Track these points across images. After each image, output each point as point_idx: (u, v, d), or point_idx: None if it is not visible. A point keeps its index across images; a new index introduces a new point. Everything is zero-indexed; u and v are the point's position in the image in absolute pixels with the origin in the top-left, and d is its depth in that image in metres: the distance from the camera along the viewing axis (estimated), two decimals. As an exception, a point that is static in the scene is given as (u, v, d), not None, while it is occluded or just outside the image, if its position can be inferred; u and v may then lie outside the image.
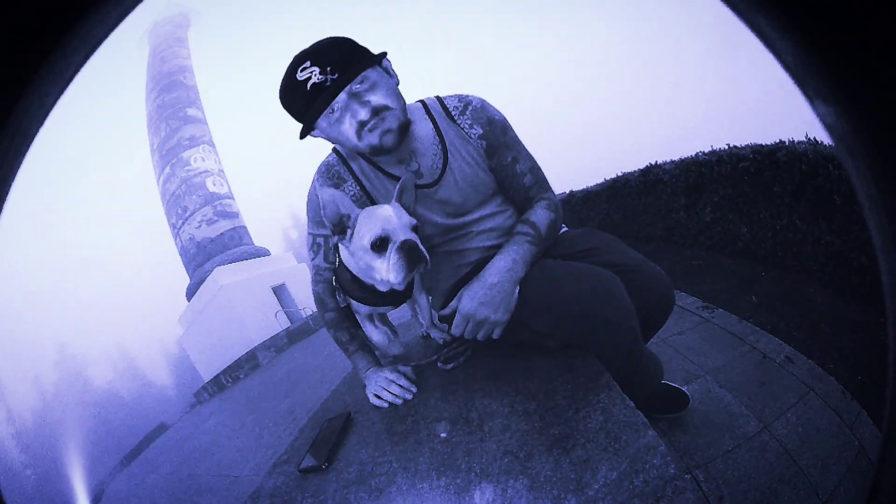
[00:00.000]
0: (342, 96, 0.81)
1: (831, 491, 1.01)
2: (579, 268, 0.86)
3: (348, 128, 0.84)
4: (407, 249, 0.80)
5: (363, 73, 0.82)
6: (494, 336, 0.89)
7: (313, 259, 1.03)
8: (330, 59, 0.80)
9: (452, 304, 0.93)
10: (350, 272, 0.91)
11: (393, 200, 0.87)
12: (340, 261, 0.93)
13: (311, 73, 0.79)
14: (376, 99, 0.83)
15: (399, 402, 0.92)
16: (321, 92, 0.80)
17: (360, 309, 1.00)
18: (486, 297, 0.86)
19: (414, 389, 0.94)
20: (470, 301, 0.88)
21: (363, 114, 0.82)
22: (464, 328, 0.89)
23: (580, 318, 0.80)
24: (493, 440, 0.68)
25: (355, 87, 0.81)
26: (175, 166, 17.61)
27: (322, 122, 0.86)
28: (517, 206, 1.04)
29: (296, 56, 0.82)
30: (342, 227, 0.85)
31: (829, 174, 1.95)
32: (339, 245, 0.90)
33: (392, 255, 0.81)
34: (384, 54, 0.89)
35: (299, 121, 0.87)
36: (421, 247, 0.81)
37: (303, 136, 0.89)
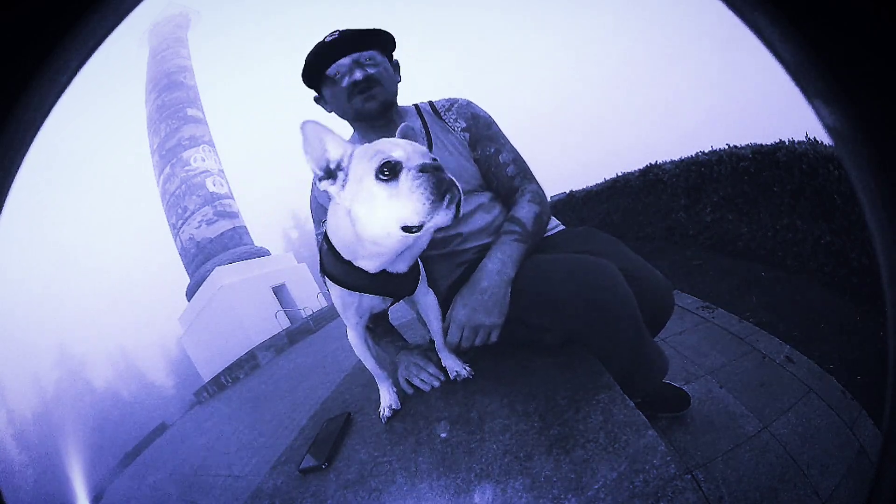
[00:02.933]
0: (347, 60, 0.96)
1: (831, 491, 1.01)
2: (575, 259, 0.86)
3: (344, 86, 0.97)
4: (431, 170, 0.61)
5: (373, 52, 0.98)
6: (492, 340, 0.89)
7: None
8: (353, 33, 0.96)
9: (448, 314, 0.91)
10: (335, 253, 0.76)
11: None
12: (326, 243, 0.79)
13: (334, 37, 0.96)
14: (373, 72, 0.97)
15: (427, 388, 0.93)
16: (333, 49, 0.95)
17: (350, 315, 0.86)
18: (479, 302, 0.86)
19: (442, 377, 0.94)
20: (462, 308, 0.87)
21: (358, 75, 0.96)
22: (459, 337, 0.88)
23: (579, 309, 0.79)
24: (493, 440, 0.68)
25: (363, 58, 0.97)
26: (175, 166, 17.62)
27: (325, 79, 0.99)
28: (503, 198, 1.06)
29: (332, 29, 0.99)
30: (329, 170, 0.67)
31: (829, 174, 1.95)
32: (329, 203, 0.75)
33: (408, 179, 0.61)
34: (394, 47, 1.03)
35: (309, 68, 0.99)
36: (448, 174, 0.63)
37: (304, 80, 1.02)
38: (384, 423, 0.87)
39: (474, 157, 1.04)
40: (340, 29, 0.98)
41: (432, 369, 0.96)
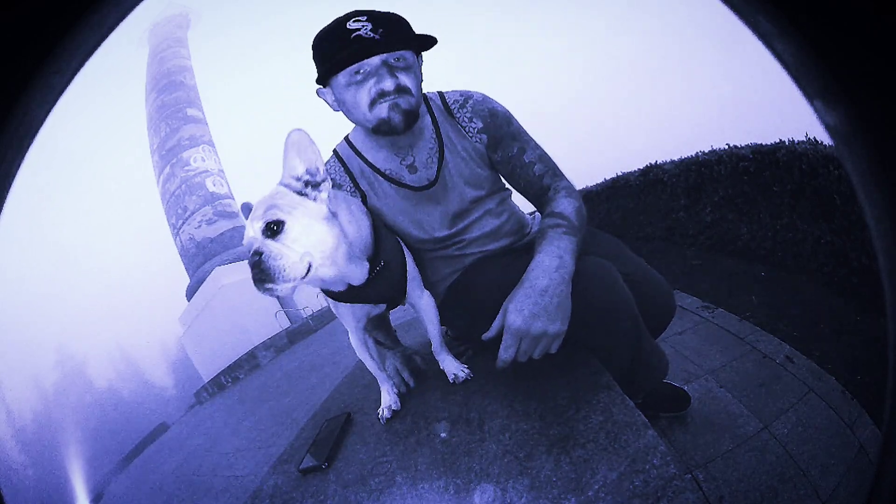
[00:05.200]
0: (376, 60, 0.79)
1: (831, 491, 1.01)
2: None
3: (366, 93, 0.82)
4: (251, 264, 0.68)
5: (405, 52, 0.82)
6: (553, 350, 0.75)
7: None
8: (385, 25, 0.79)
9: (496, 324, 0.76)
10: None
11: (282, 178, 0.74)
12: None
13: (363, 26, 0.78)
14: (404, 79, 0.82)
15: (403, 389, 0.98)
16: (360, 45, 0.77)
17: (347, 321, 0.90)
18: (538, 306, 0.72)
19: (411, 384, 0.99)
20: (518, 315, 0.72)
21: (388, 84, 0.80)
22: (516, 349, 0.73)
23: (580, 309, 0.77)
24: (492, 440, 0.68)
25: (392, 59, 0.81)
26: (175, 166, 17.62)
27: (342, 77, 0.82)
28: (533, 199, 1.00)
29: (354, 10, 0.81)
30: None
31: (829, 174, 1.95)
32: None
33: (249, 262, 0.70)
34: (428, 45, 0.86)
35: (323, 62, 0.83)
36: (269, 258, 0.67)
37: (319, 80, 0.88)
38: (384, 424, 0.88)
39: (495, 158, 0.96)
40: (368, 12, 0.80)
41: (406, 375, 1.00)
